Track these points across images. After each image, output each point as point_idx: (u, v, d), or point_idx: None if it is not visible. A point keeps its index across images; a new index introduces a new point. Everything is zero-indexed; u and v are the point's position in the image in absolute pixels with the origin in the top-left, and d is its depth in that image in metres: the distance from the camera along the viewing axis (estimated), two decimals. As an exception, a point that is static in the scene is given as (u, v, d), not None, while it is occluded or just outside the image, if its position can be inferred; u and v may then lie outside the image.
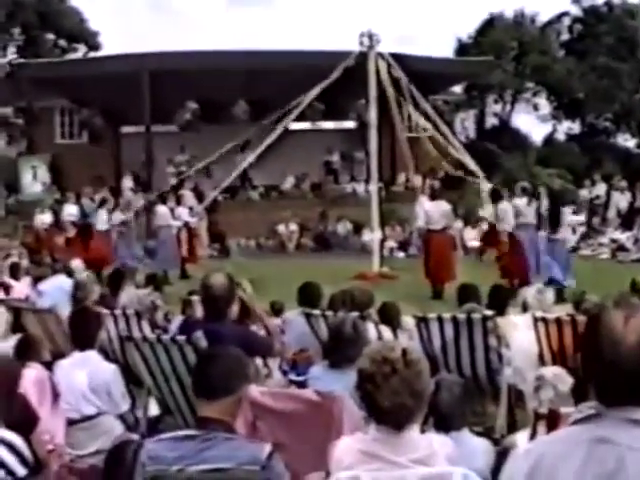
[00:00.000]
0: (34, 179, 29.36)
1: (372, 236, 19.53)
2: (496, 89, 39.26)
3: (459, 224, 24.12)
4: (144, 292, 10.36)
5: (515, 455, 2.58)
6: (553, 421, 4.40)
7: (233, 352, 4.21)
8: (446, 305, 12.60)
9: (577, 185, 29.85)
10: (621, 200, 26.56)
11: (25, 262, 17.10)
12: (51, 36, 40.50)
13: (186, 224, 21.12)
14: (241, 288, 6.80)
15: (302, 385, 6.57)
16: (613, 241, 24.22)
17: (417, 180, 24.98)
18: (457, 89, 35.93)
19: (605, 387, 2.40)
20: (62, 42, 40.87)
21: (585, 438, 2.39)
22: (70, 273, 12.29)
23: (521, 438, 4.64)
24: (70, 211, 24.02)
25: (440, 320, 7.52)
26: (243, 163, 23.47)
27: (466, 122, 40.62)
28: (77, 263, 13.71)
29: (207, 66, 24.55)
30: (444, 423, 4.96)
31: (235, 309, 6.22)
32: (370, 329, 7.43)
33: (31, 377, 5.61)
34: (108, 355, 7.48)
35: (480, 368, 7.44)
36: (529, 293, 8.45)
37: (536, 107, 41.53)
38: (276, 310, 9.97)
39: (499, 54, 36.59)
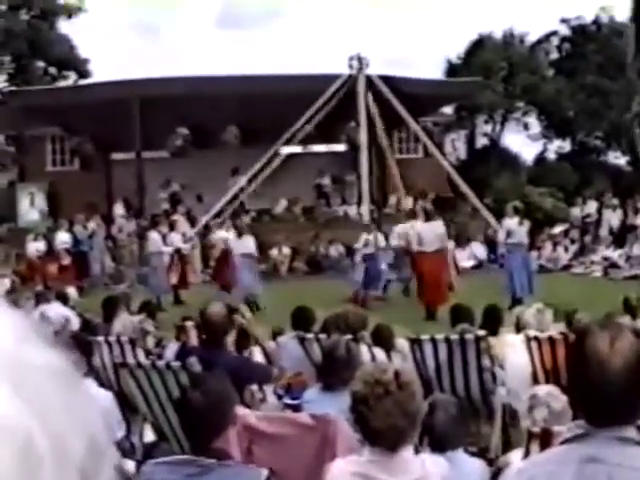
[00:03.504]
0: (31, 206, 29.30)
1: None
2: (486, 109, 39.27)
3: (451, 245, 24.14)
4: (138, 319, 10.37)
5: (506, 476, 2.59)
6: (546, 440, 4.42)
7: (214, 396, 4.08)
8: (439, 326, 12.61)
9: (568, 204, 29.95)
10: (613, 218, 26.64)
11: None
12: (41, 64, 40.46)
13: (178, 250, 21.08)
14: (240, 313, 6.82)
15: (297, 409, 6.57)
16: (605, 259, 24.25)
17: (408, 202, 25.04)
18: (447, 110, 36.02)
19: (593, 409, 2.42)
20: (52, 70, 40.80)
21: (575, 457, 2.40)
22: (65, 300, 12.31)
23: (515, 457, 4.65)
24: (63, 239, 23.99)
25: (433, 341, 7.53)
26: (234, 187, 23.50)
27: (456, 143, 40.63)
28: (72, 290, 13.72)
29: (197, 91, 24.57)
30: (440, 443, 4.94)
31: (232, 335, 6.25)
32: (363, 351, 7.44)
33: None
34: (103, 382, 7.49)
35: (474, 388, 7.44)
36: (528, 312, 8.43)
37: (526, 126, 41.54)
38: (275, 335, 9.95)
39: (488, 74, 36.61)
